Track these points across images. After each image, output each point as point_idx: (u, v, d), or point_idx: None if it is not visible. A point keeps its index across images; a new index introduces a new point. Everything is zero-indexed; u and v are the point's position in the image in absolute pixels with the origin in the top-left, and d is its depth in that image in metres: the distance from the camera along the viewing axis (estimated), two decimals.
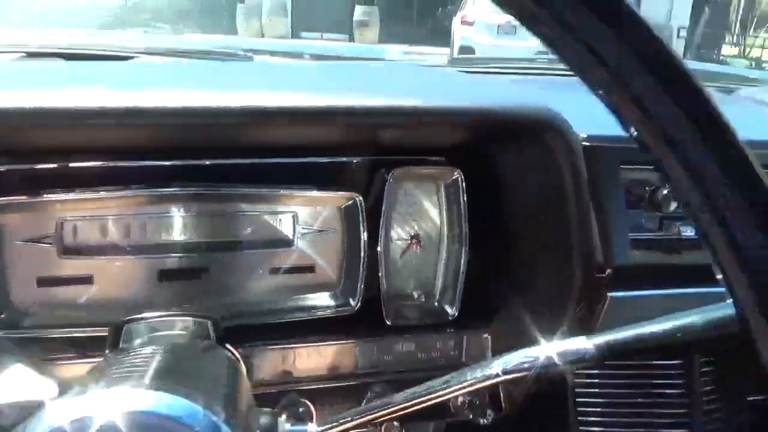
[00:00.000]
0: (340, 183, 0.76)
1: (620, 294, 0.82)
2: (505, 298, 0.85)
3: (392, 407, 0.53)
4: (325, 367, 0.77)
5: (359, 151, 0.78)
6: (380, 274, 0.78)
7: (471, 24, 11.70)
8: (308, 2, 16.68)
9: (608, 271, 0.80)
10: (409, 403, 0.53)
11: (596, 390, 0.93)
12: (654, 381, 0.94)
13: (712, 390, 0.96)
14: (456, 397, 0.77)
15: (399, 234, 0.82)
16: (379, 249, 0.77)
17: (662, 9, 15.64)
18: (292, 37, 16.39)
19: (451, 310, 0.82)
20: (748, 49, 17.63)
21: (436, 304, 0.83)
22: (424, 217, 0.82)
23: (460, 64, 1.37)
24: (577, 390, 0.92)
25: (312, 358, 0.76)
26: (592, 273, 0.79)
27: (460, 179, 0.80)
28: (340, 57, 1.44)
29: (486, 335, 0.85)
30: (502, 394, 0.88)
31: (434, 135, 0.76)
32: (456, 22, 12.28)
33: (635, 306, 0.84)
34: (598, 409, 0.92)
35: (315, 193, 0.75)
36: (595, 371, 0.93)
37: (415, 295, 0.82)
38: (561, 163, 0.73)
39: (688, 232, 0.85)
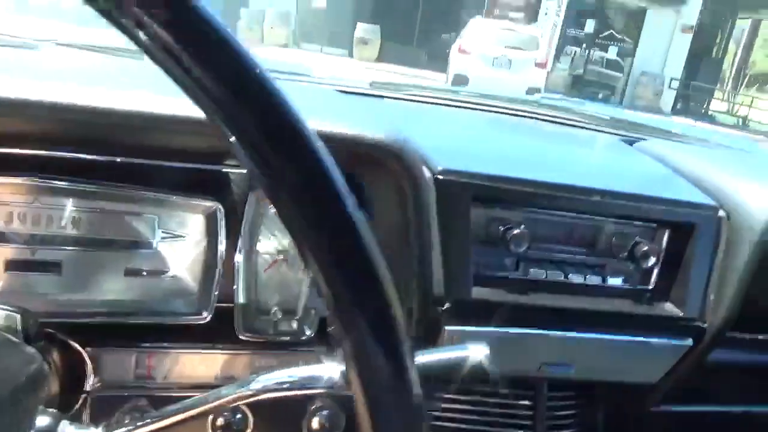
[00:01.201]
0: (208, 191, 0.75)
1: (458, 329, 0.82)
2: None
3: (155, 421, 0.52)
4: (180, 374, 0.76)
5: (231, 161, 0.76)
6: (235, 286, 0.77)
7: (468, 53, 11.84)
8: (312, 14, 16.80)
9: (447, 305, 0.80)
10: (174, 418, 0.53)
11: (451, 415, 0.94)
12: (502, 410, 0.95)
13: (558, 418, 0.98)
14: (310, 420, 0.82)
15: (266, 248, 0.81)
16: (236, 261, 0.77)
17: (657, 59, 15.96)
18: (292, 47, 16.53)
19: (308, 331, 0.82)
20: (736, 107, 17.96)
21: (295, 322, 0.82)
22: None
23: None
24: (435, 422, 0.93)
25: (165, 365, 0.76)
26: (430, 305, 0.79)
27: None
28: None
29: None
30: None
31: None
32: (454, 50, 12.43)
33: (474, 340, 0.85)
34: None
35: (178, 199, 0.74)
36: (452, 398, 0.94)
37: (274, 311, 0.81)
38: (405, 193, 0.73)
39: (538, 273, 0.86)
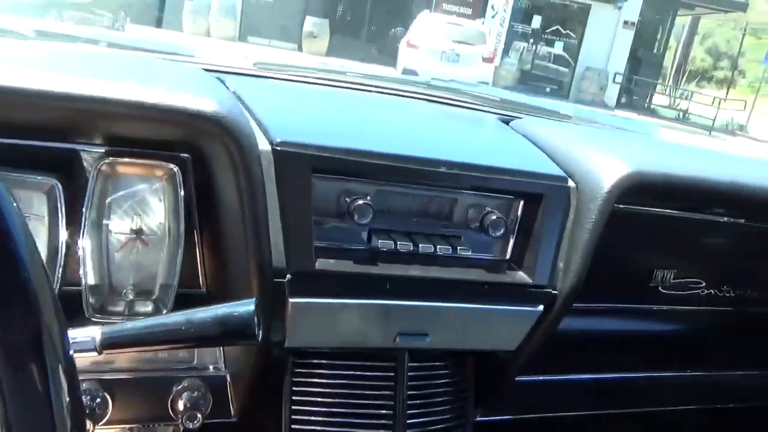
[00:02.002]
0: (48, 168, 0.74)
1: (303, 300, 0.82)
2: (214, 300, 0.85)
3: None
4: None
5: (82, 138, 0.76)
6: (82, 266, 0.76)
7: (416, 48, 11.85)
8: (258, 7, 16.50)
9: (288, 276, 0.80)
10: None
11: (314, 389, 0.94)
12: (365, 383, 0.95)
13: (419, 395, 0.98)
14: (176, 400, 0.83)
15: (119, 228, 0.79)
16: (80, 241, 0.76)
17: (601, 54, 16.33)
18: (239, 40, 16.21)
19: (164, 310, 0.80)
20: (677, 101, 18.55)
21: (150, 303, 0.81)
22: (149, 213, 0.80)
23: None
24: (294, 397, 0.93)
25: None
26: (271, 278, 0.79)
27: (177, 176, 0.79)
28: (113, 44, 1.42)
29: None
30: (230, 395, 0.88)
31: (147, 129, 0.75)
32: (403, 44, 12.43)
33: (323, 312, 0.85)
34: (315, 409, 0.93)
35: (17, 177, 0.72)
36: (314, 373, 0.93)
37: (126, 291, 0.80)
38: (236, 166, 0.74)
39: (386, 244, 0.86)
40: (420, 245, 0.87)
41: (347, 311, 0.86)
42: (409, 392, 0.97)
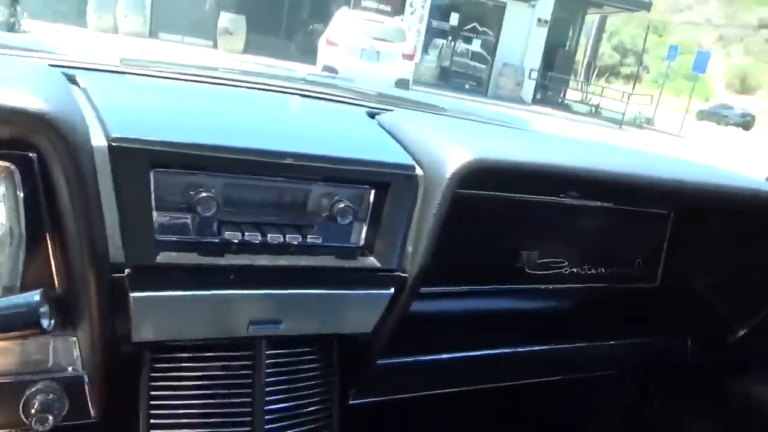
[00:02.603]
0: None
1: (145, 295, 0.82)
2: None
3: None
4: None
5: None
6: None
7: (336, 45, 11.67)
8: (170, 2, 15.80)
9: (127, 270, 0.80)
10: None
11: (173, 383, 0.93)
12: (223, 373, 0.96)
13: (280, 381, 1.00)
14: (28, 405, 0.82)
15: None
16: None
17: (517, 51, 16.76)
18: (149, 37, 15.48)
19: None
20: (589, 96, 19.32)
21: None
22: None
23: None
24: (153, 392, 0.92)
25: None
26: (109, 273, 0.79)
27: (15, 175, 0.77)
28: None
29: (74, 338, 0.85)
30: (89, 395, 0.87)
31: None
32: (322, 41, 12.21)
33: (168, 305, 0.86)
34: (174, 402, 0.93)
35: None
36: (174, 367, 0.93)
37: None
38: (65, 163, 0.74)
39: (233, 235, 0.87)
40: (269, 235, 0.88)
41: (193, 303, 0.86)
42: (268, 379, 0.98)
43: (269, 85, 1.36)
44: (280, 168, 0.89)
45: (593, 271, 1.31)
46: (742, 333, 1.36)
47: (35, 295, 0.62)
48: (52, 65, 1.06)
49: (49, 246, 0.81)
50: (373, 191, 0.97)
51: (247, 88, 1.32)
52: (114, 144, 0.79)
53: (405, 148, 1.03)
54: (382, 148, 1.04)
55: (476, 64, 17.35)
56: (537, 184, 1.14)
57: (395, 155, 1.01)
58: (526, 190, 1.17)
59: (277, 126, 1.12)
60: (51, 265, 0.82)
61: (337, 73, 11.44)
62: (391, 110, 1.27)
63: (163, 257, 0.83)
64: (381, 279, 0.97)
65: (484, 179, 1.02)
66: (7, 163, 0.76)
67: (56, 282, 0.82)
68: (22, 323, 0.61)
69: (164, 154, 0.81)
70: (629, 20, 38.25)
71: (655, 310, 1.43)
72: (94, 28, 14.86)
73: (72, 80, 0.99)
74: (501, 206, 1.16)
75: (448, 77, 16.85)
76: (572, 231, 1.29)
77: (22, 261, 0.79)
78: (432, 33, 16.84)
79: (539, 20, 16.56)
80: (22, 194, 0.78)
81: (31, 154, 0.77)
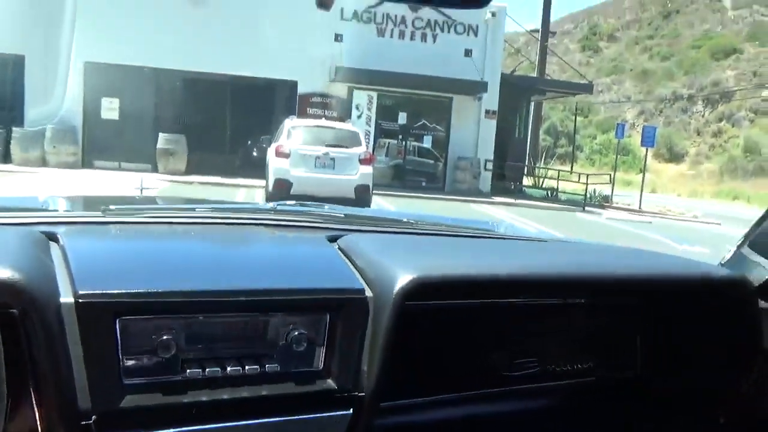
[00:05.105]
0: None
1: None
2: None
3: None
4: None
5: None
6: None
7: (287, 156, 10.95)
8: (103, 128, 14.95)
9: (93, 417, 0.84)
10: None
11: None
12: None
13: None
14: None
15: None
16: None
17: (469, 143, 16.63)
18: (83, 167, 14.46)
19: None
20: (542, 180, 19.33)
21: None
22: None
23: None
24: None
25: None
26: (77, 421, 0.83)
27: None
28: None
29: None
30: None
31: None
32: (271, 153, 11.48)
33: None
34: None
35: None
36: None
37: None
38: (32, 323, 0.81)
39: (195, 372, 0.91)
40: (228, 368, 0.93)
41: None
42: None
43: (240, 218, 1.41)
44: (235, 305, 0.94)
45: (569, 367, 1.33)
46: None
47: None
48: (34, 223, 1.11)
49: (33, 397, 0.85)
50: (328, 316, 1.00)
51: (219, 224, 1.37)
52: (80, 300, 0.86)
53: (359, 271, 1.08)
54: (336, 274, 1.08)
55: (428, 160, 17.09)
56: (486, 292, 1.18)
57: (347, 280, 1.05)
58: (480, 297, 1.20)
59: (238, 262, 1.16)
60: (35, 416, 0.85)
61: (291, 185, 10.69)
62: (352, 231, 1.31)
63: (128, 401, 0.87)
64: (339, 400, 0.99)
65: (431, 293, 1.06)
66: None
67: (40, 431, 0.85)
68: None
69: (126, 304, 0.88)
70: (555, 105, 40.11)
71: (638, 400, 1.42)
72: (19, 163, 13.76)
73: (52, 237, 1.04)
74: (460, 312, 1.20)
75: (402, 176, 16.43)
76: (541, 328, 1.31)
77: (4, 416, 0.83)
78: (380, 134, 16.57)
79: (487, 111, 16.60)
80: (2, 348, 0.84)
81: (13, 310, 0.83)
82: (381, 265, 1.06)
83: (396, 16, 16.27)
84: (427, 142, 16.99)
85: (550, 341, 1.31)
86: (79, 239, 1.08)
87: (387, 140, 16.79)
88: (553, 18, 21.54)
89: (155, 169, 14.51)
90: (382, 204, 12.49)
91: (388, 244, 1.29)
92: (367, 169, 11.24)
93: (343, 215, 1.64)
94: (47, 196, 1.60)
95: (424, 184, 16.45)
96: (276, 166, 10.94)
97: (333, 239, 1.25)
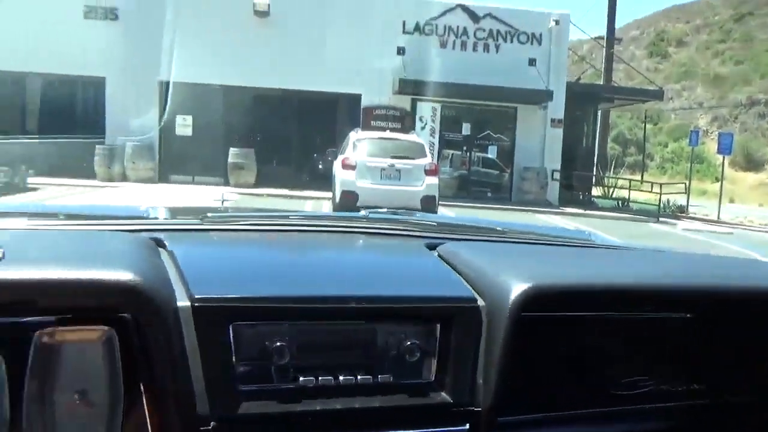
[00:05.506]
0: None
1: None
2: None
3: None
4: None
5: (20, 312, 0.81)
6: None
7: (353, 168, 11.08)
8: (178, 144, 15.58)
9: (212, 423, 0.84)
10: None
11: None
12: None
13: None
14: None
15: (63, 391, 0.80)
16: (24, 413, 0.78)
17: (535, 153, 16.36)
18: (159, 181, 15.10)
19: None
20: (611, 190, 18.75)
21: None
22: (90, 374, 0.82)
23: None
24: None
25: None
26: (196, 427, 0.83)
27: (113, 337, 0.81)
28: None
29: None
30: None
31: (76, 301, 0.82)
32: (337, 165, 11.65)
33: None
34: None
35: None
36: None
37: None
38: (153, 326, 0.82)
39: (308, 381, 0.90)
40: (341, 377, 0.91)
41: None
42: None
43: (335, 226, 1.42)
44: (345, 312, 0.94)
45: (685, 387, 1.21)
46: None
47: None
48: (137, 230, 1.14)
49: (147, 401, 0.84)
50: (438, 326, 0.98)
51: (315, 231, 1.38)
52: (197, 304, 0.87)
53: (466, 279, 1.06)
54: (443, 282, 1.07)
55: (493, 171, 16.91)
56: (602, 304, 1.12)
57: (457, 288, 1.03)
58: (594, 309, 1.12)
59: (341, 269, 1.16)
60: (146, 419, 0.84)
61: (358, 196, 10.80)
62: (451, 239, 1.29)
63: (244, 407, 0.87)
64: (454, 415, 0.96)
65: (546, 304, 1.03)
66: (105, 328, 0.81)
67: None
68: None
69: (240, 309, 0.88)
70: (623, 113, 38.96)
71: (757, 429, 1.29)
72: (103, 179, 14.51)
73: (160, 243, 1.06)
74: (574, 325, 1.12)
75: (467, 187, 16.31)
76: (658, 345, 1.19)
77: (120, 418, 0.82)
78: (444, 145, 16.54)
79: (553, 120, 16.30)
80: (119, 354, 0.82)
81: (126, 316, 0.83)
82: (491, 273, 1.04)
83: (458, 27, 16.28)
84: (491, 153, 16.82)
85: (662, 359, 1.21)
86: (184, 245, 1.09)
87: (451, 151, 16.73)
88: (618, 24, 20.98)
89: (226, 183, 15.00)
90: (449, 215, 12.45)
91: (490, 252, 1.26)
92: (433, 180, 11.23)
93: (435, 223, 1.62)
94: (144, 205, 1.64)
95: (489, 194, 16.28)
96: (343, 178, 11.10)
97: (431, 247, 1.23)
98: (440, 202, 11.54)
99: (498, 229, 1.60)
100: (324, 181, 13.13)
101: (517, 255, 1.30)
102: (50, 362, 0.81)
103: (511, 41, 16.45)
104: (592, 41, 25.78)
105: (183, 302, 0.86)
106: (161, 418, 0.84)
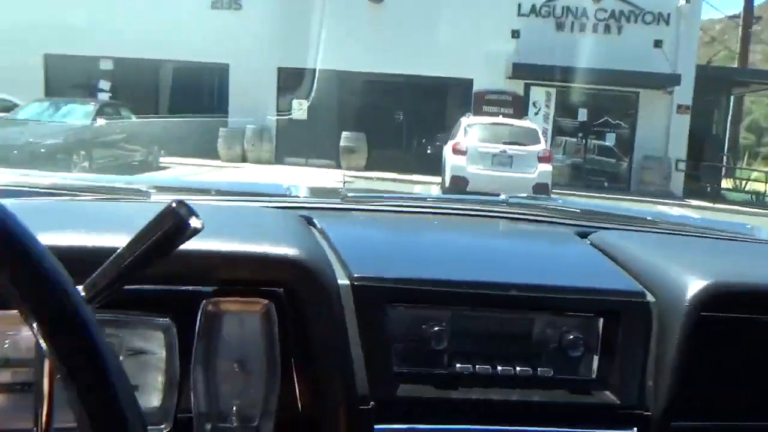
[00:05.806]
0: (162, 309, 0.82)
1: (387, 427, 0.85)
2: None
3: None
4: None
5: (192, 282, 0.84)
6: (194, 396, 0.82)
7: (464, 153, 10.99)
8: (293, 127, 16.18)
9: (372, 403, 0.84)
10: None
11: None
12: None
13: None
14: None
15: (224, 360, 0.84)
16: (192, 373, 0.82)
17: (658, 141, 15.39)
18: (275, 163, 15.79)
19: None
20: (743, 182, 17.30)
21: (254, 429, 0.84)
22: (250, 345, 0.85)
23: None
24: None
25: None
26: (357, 405, 0.83)
27: (271, 311, 0.83)
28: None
29: None
30: None
31: (243, 273, 0.84)
32: (447, 150, 11.60)
33: None
34: None
35: (135, 318, 0.81)
36: None
37: (231, 418, 0.84)
38: (318, 302, 0.82)
39: (465, 368, 0.88)
40: (499, 367, 0.89)
41: None
42: None
43: (474, 210, 1.38)
44: (505, 300, 0.91)
45: None
46: None
47: None
48: (284, 207, 1.16)
49: (298, 375, 0.86)
50: (601, 320, 0.94)
51: (456, 215, 1.36)
52: (356, 283, 0.87)
53: (629, 272, 1.01)
54: (604, 274, 1.02)
55: (611, 159, 16.11)
56: None
57: (621, 281, 0.98)
58: None
59: (497, 255, 1.14)
60: (296, 391, 0.86)
61: (467, 182, 10.70)
62: (601, 228, 1.24)
63: (402, 390, 0.87)
64: (620, 417, 0.91)
65: (727, 303, 0.95)
66: (265, 301, 0.84)
67: (299, 408, 0.86)
68: None
69: (399, 291, 0.88)
70: (758, 98, 35.70)
71: None
72: (225, 159, 15.38)
73: (309, 221, 1.07)
74: (755, 328, 0.99)
75: (582, 175, 15.67)
76: None
77: (277, 389, 0.83)
78: (558, 131, 15.96)
79: (679, 106, 15.21)
80: (277, 327, 0.84)
81: (279, 290, 0.84)
82: (661, 267, 0.98)
83: (577, 8, 15.55)
84: (609, 140, 16.01)
85: None
86: (332, 224, 1.08)
87: (564, 138, 16.12)
88: (756, 1, 19.15)
89: (338, 166, 15.39)
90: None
91: (653, 243, 1.19)
92: (547, 167, 10.91)
93: (579, 210, 1.55)
94: (286, 183, 1.66)
95: (606, 184, 15.53)
96: (453, 162, 11.05)
97: (583, 235, 1.19)
98: (553, 191, 11.18)
99: (647, 218, 1.51)
100: (432, 165, 13.13)
101: (683, 247, 1.22)
102: (214, 330, 0.83)
103: (635, 22, 15.49)
104: (725, 20, 23.77)
105: (343, 280, 0.87)
106: (318, 395, 0.84)
